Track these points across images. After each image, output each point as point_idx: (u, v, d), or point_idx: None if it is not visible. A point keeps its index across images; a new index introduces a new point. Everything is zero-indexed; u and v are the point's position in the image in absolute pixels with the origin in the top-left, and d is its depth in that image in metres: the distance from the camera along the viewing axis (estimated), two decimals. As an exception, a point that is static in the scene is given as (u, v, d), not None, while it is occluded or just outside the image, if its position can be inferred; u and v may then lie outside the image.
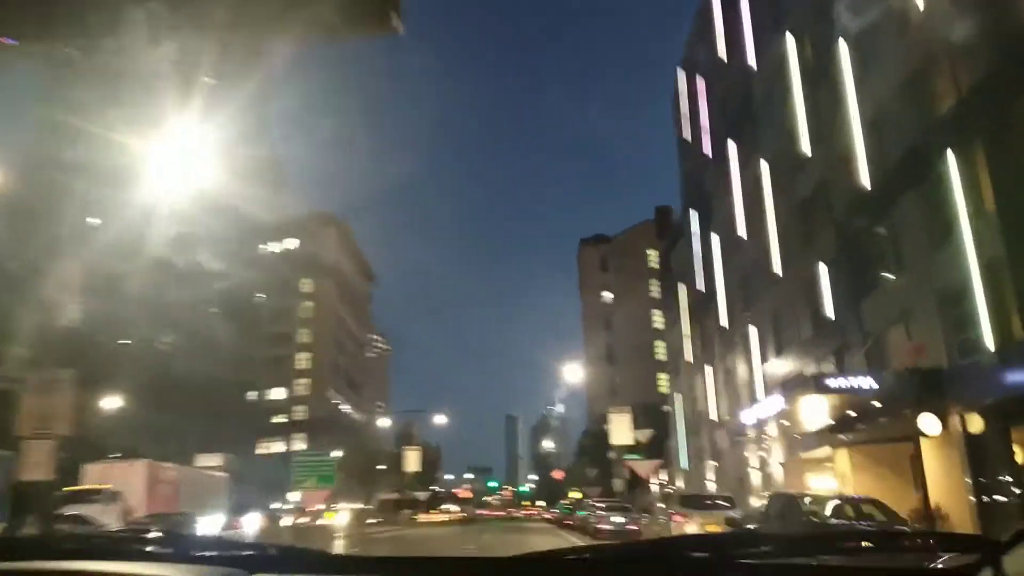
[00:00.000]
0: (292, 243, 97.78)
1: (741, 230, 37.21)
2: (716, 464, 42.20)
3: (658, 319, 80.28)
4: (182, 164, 26.02)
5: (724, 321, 40.14)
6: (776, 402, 23.86)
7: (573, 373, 51.26)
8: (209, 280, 69.00)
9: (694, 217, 46.18)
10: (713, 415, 41.47)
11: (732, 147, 38.64)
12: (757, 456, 34.09)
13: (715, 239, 41.90)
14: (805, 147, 28.51)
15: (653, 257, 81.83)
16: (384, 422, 65.63)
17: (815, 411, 21.53)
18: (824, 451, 24.69)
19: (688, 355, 42.53)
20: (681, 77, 51.65)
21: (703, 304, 43.98)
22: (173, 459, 37.42)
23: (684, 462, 47.28)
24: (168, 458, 36.44)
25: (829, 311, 26.47)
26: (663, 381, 75.97)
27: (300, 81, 59.22)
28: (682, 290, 49.38)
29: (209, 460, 48.00)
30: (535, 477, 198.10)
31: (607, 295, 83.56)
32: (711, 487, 39.84)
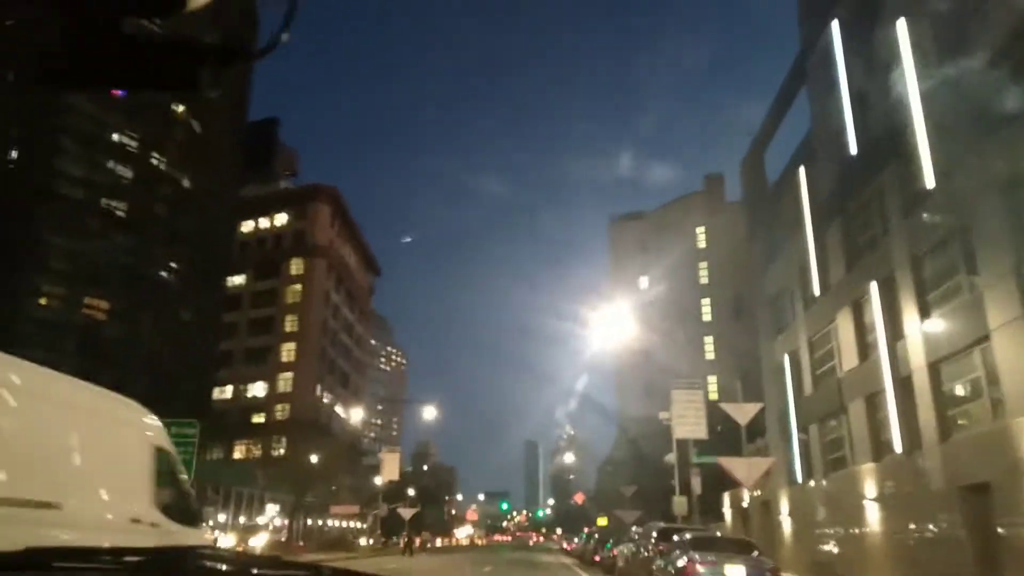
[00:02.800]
0: (281, 218, 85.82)
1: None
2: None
3: (707, 310, 66.52)
4: None
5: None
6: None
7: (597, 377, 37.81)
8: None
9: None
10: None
11: None
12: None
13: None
14: None
15: (702, 236, 68.22)
16: (356, 413, 52.62)
17: None
18: None
19: (815, 286, 26.19)
20: None
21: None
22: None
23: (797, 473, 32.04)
24: None
25: None
26: (713, 386, 62.07)
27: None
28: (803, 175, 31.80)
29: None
30: (552, 502, 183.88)
31: (643, 280, 69.90)
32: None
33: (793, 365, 27.24)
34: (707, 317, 66.38)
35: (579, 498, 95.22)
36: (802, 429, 26.40)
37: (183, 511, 7.70)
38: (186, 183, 61.70)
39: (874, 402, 21.15)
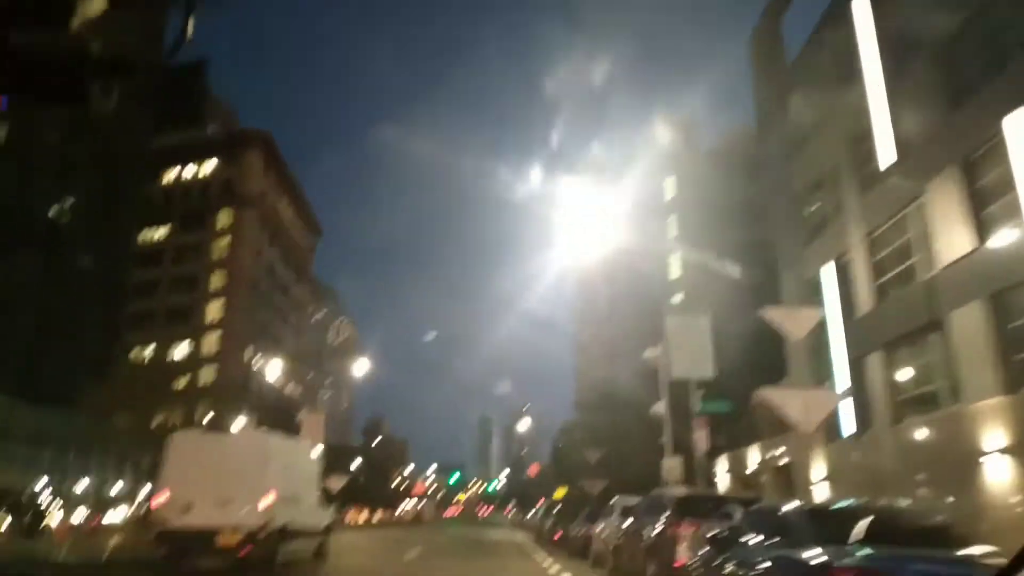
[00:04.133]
0: (208, 166, 77.35)
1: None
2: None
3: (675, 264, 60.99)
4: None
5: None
6: None
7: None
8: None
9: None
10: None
11: None
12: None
13: None
14: None
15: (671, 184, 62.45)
16: (274, 369, 45.76)
17: None
18: None
19: (885, 154, 18.83)
20: None
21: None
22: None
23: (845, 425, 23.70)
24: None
25: None
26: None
27: None
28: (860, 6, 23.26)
29: None
30: (506, 474, 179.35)
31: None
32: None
33: (840, 276, 20.62)
34: (675, 274, 60.91)
35: (533, 469, 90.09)
36: (855, 363, 20.09)
37: (325, 495, 18.32)
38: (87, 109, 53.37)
39: (1005, 303, 14.91)
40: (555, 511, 36.87)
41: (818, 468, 20.77)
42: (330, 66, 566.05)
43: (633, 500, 16.19)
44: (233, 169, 75.34)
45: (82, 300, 52.01)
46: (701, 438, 18.98)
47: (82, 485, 42.11)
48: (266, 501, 12.39)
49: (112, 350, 60.20)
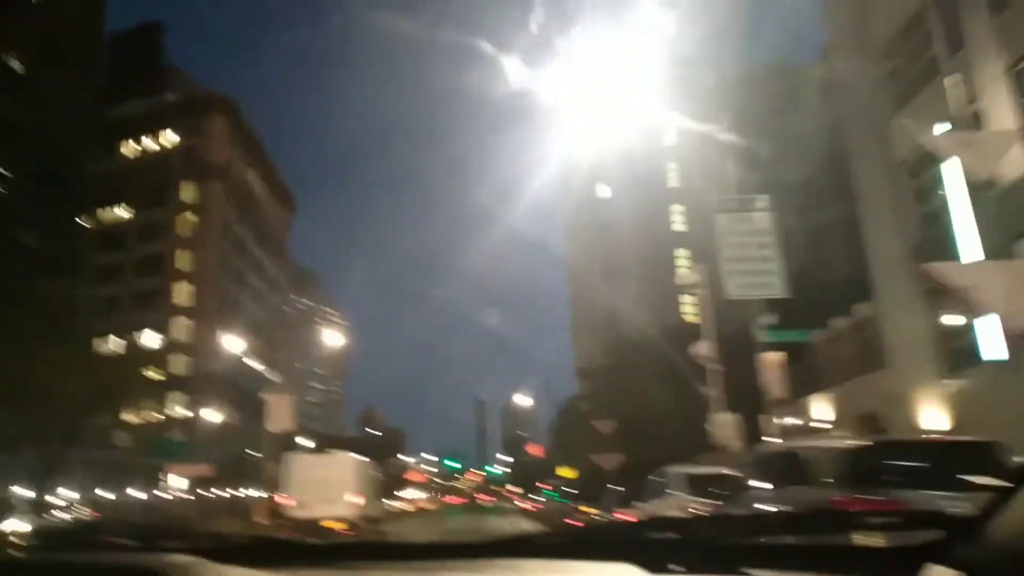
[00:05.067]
0: (168, 137, 71.40)
1: None
2: None
3: (677, 216, 55.76)
4: None
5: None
6: None
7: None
8: None
9: None
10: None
11: None
12: None
13: None
14: None
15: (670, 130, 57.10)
16: (234, 343, 40.31)
17: None
18: None
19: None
20: None
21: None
22: None
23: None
24: None
25: None
26: (688, 305, 51.79)
27: None
28: None
29: None
30: (506, 458, 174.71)
31: (602, 189, 58.42)
32: None
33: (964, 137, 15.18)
34: (679, 227, 55.72)
35: (535, 450, 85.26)
36: (998, 253, 13.96)
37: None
38: (17, 66, 47.59)
39: None
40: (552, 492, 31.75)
41: (933, 414, 15.40)
42: None
43: (694, 468, 11.21)
44: (194, 138, 69.50)
45: (27, 281, 46.50)
46: (774, 381, 13.82)
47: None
48: (358, 501, 18.99)
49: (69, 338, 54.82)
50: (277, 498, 19.80)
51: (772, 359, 14.27)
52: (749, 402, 15.77)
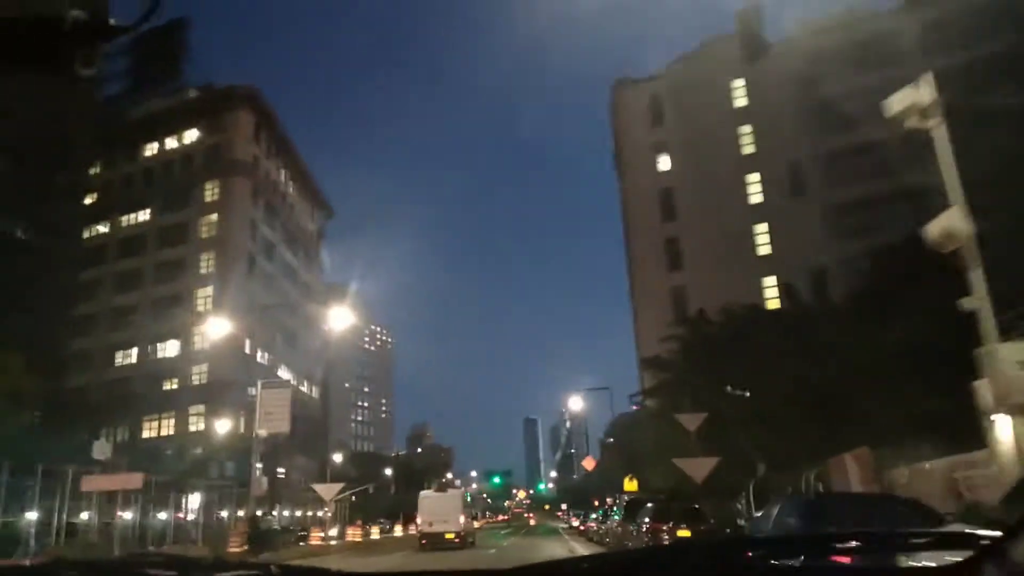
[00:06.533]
0: (190, 136, 67.03)
1: None
2: None
3: (756, 188, 48.63)
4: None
5: None
6: None
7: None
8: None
9: None
10: None
11: None
12: None
13: None
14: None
15: (741, 91, 50.28)
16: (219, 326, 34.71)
17: None
18: None
19: None
20: None
21: None
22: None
23: None
24: None
25: None
26: (772, 290, 44.57)
27: None
28: None
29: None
30: (555, 475, 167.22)
31: (663, 161, 51.67)
32: None
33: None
34: (756, 198, 48.59)
35: (588, 463, 77.84)
36: None
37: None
38: None
39: None
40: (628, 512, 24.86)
41: None
42: None
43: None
44: (219, 135, 64.89)
45: (25, 286, 41.71)
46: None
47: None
48: (465, 519, 31.68)
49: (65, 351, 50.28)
50: (418, 519, 31.37)
51: None
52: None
